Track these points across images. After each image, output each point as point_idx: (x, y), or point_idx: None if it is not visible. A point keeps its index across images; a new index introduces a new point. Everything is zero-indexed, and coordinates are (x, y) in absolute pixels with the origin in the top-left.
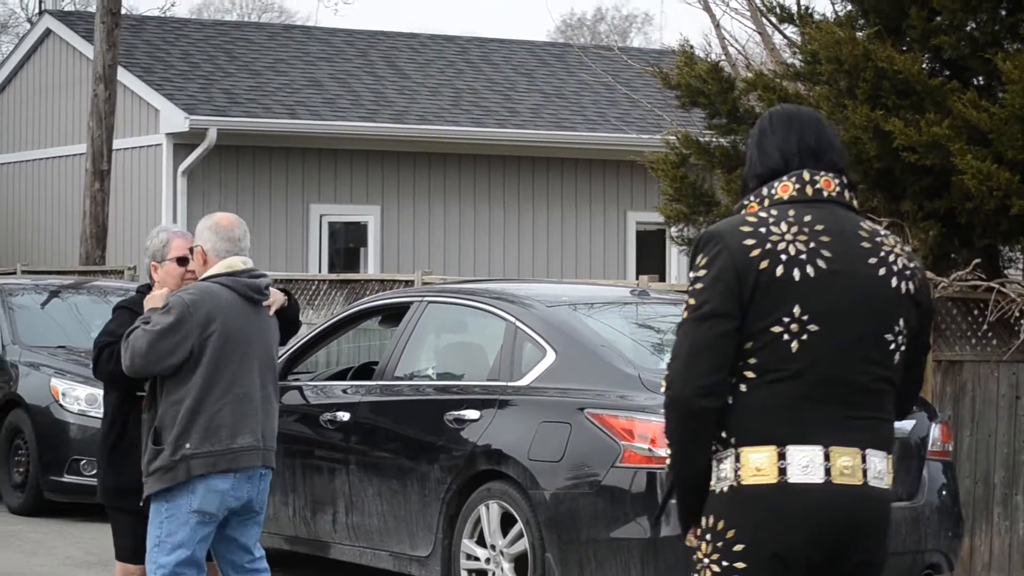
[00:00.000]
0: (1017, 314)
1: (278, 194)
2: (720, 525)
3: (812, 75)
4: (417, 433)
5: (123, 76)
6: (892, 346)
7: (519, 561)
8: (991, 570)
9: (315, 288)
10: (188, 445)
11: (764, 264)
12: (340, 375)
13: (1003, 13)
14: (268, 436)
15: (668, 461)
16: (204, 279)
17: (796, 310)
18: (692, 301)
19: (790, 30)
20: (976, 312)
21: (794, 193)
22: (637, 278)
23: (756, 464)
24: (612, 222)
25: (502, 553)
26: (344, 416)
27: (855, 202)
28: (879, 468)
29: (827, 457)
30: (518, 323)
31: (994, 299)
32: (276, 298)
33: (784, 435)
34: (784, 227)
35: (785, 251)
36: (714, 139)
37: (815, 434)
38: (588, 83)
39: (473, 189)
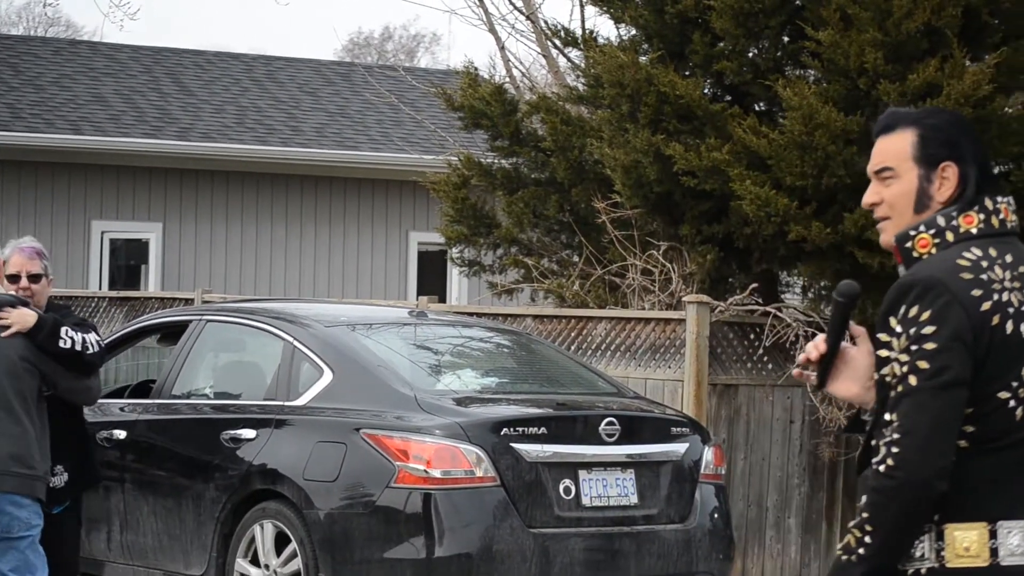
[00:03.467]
0: (793, 339)
1: (60, 210)
2: None
3: (595, 99)
4: (193, 452)
5: None
6: None
7: None
8: None
9: (95, 305)
10: None
11: (996, 320)
12: (118, 393)
13: (785, 40)
14: (4, 459)
15: (863, 551)
16: None
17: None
18: (924, 365)
19: (574, 54)
20: (752, 336)
21: (982, 226)
22: (418, 299)
23: (964, 543)
24: (394, 242)
25: (276, 572)
26: (121, 434)
27: None
28: None
29: None
30: (296, 343)
31: (770, 324)
32: (13, 320)
33: (995, 510)
34: (999, 272)
35: (1009, 303)
36: (496, 161)
37: (1022, 507)
38: (373, 103)
39: (256, 207)
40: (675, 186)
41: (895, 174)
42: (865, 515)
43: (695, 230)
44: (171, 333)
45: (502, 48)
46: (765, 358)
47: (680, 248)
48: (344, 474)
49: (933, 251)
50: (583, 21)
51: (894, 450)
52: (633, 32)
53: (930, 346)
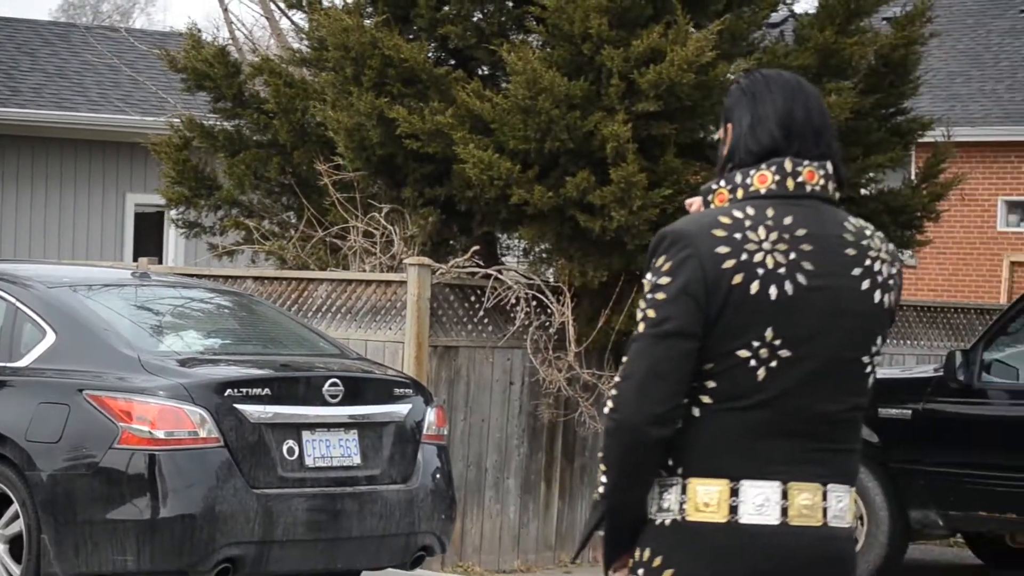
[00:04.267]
0: (513, 301)
1: None
2: (657, 562)
3: (319, 61)
4: None
5: None
6: (868, 369)
7: (15, 542)
8: (481, 552)
9: None
10: None
11: (738, 279)
12: None
13: (510, 5)
14: None
15: (601, 490)
16: None
17: (768, 333)
18: (652, 314)
19: (298, 16)
20: (473, 299)
21: (773, 186)
22: (135, 260)
23: (704, 499)
24: (111, 204)
25: None
26: None
27: (837, 193)
28: (841, 505)
29: (785, 495)
30: (18, 303)
31: (491, 286)
32: None
33: (739, 469)
34: (762, 233)
35: (762, 263)
36: (218, 123)
37: (774, 469)
38: (92, 64)
39: None
40: (398, 149)
41: None
42: (600, 455)
43: (417, 193)
44: None
45: (225, 10)
46: (486, 320)
47: (402, 211)
48: (67, 435)
49: (727, 206)
50: None
51: (613, 392)
52: None
53: (660, 296)
